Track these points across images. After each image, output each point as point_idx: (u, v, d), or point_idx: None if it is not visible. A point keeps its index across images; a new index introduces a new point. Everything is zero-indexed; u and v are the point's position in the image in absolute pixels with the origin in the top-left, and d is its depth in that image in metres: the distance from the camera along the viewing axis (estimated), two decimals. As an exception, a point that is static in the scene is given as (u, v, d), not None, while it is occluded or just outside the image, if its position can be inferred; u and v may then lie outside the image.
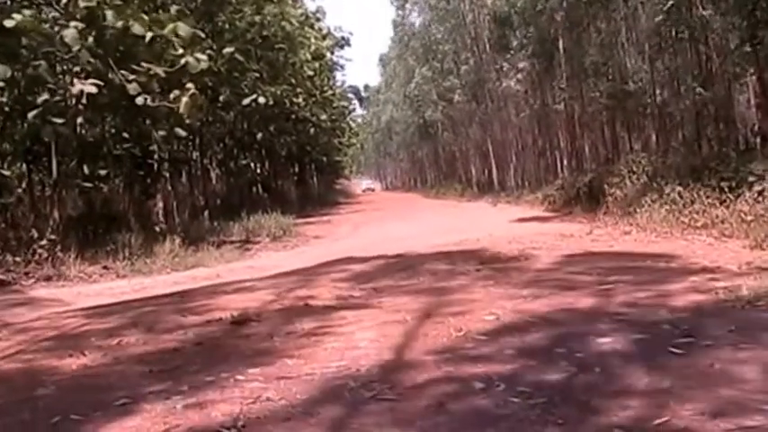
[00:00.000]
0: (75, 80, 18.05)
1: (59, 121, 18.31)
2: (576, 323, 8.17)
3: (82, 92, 17.46)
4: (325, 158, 67.29)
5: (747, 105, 31.30)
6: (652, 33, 29.86)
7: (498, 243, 17.81)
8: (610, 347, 7.00)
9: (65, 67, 19.44)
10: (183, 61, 15.61)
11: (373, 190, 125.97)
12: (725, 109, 26.97)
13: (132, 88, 16.48)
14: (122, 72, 16.56)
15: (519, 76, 47.01)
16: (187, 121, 21.16)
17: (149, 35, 15.22)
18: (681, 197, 20.00)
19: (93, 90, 17.08)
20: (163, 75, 16.01)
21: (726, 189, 18.58)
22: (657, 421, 4.95)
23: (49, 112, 18.15)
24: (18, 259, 17.37)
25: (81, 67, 18.07)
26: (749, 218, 16.66)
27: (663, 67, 31.84)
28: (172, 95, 15.73)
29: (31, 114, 18.29)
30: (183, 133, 24.73)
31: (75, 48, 15.54)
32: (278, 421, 5.48)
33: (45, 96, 18.20)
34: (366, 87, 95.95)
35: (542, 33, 38.64)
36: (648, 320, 7.99)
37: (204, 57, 16.13)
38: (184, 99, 15.35)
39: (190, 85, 15.70)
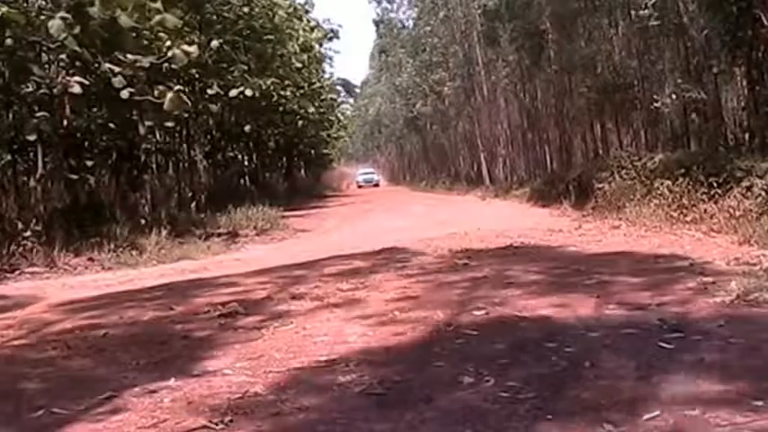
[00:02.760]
0: (61, 73, 17.99)
1: (45, 114, 18.23)
2: (566, 319, 8.17)
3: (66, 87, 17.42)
4: (312, 151, 67.26)
5: (736, 101, 31.36)
6: (639, 28, 29.86)
7: (486, 237, 17.83)
8: (599, 343, 7.00)
9: (50, 57, 19.33)
10: (170, 53, 15.58)
11: (377, 185, 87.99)
12: (712, 105, 26.98)
13: (117, 81, 16.45)
14: (108, 65, 16.51)
15: (508, 69, 46.99)
16: (174, 113, 21.10)
17: (136, 26, 15.18)
18: (670, 192, 20.01)
19: (78, 90, 17.06)
20: (148, 66, 15.97)
21: (714, 184, 18.58)
22: (647, 416, 4.94)
23: (34, 103, 18.09)
24: (2, 251, 17.29)
25: (67, 56, 18.02)
26: (738, 213, 16.68)
27: (650, 63, 31.84)
28: (156, 92, 15.69)
29: (15, 105, 18.23)
30: (169, 125, 24.65)
31: (62, 37, 15.48)
32: (266, 416, 5.46)
33: (30, 88, 18.12)
34: (347, 83, 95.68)
35: (531, 27, 38.62)
36: (638, 316, 7.99)
37: (192, 48, 16.09)
38: (169, 95, 15.32)
39: (176, 86, 15.70)
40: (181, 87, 16.33)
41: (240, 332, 8.44)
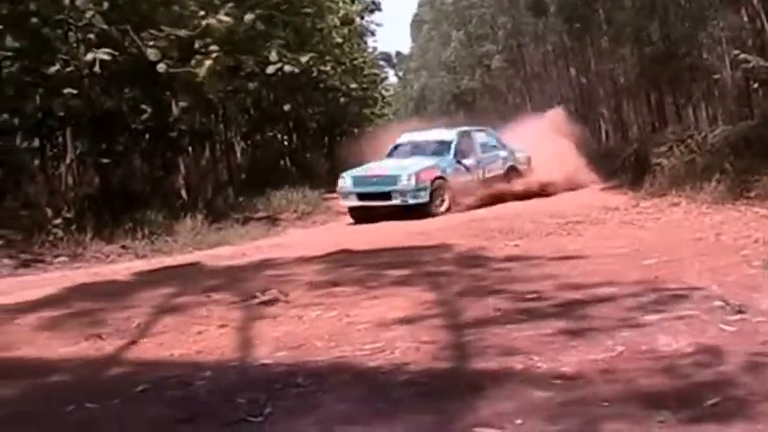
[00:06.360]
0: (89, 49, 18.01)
1: (72, 90, 18.27)
2: (620, 297, 8.09)
3: (95, 60, 17.40)
4: (356, 130, 67.05)
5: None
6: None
7: (538, 217, 17.72)
8: (656, 326, 6.92)
9: (78, 36, 19.36)
10: (204, 23, 15.56)
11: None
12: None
13: (152, 53, 16.45)
14: (140, 37, 16.52)
15: (557, 40, 46.75)
16: (208, 92, 21.10)
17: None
18: (732, 167, 19.78)
19: (107, 58, 17.05)
20: (183, 37, 15.95)
21: (779, 158, 18.37)
22: (709, 402, 4.90)
23: (61, 83, 18.13)
24: (32, 240, 17.38)
25: (95, 34, 18.03)
26: (804, 187, 16.49)
27: (708, 31, 31.51)
28: (193, 61, 15.66)
29: (42, 87, 18.28)
30: (203, 104, 24.70)
31: (89, 14, 15.49)
32: (306, 408, 5.46)
33: (56, 67, 18.17)
34: (398, 54, 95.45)
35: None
36: (698, 296, 7.91)
37: (227, 18, 16.07)
38: (207, 62, 15.29)
39: (214, 47, 15.58)
40: (218, 51, 16.25)
41: (280, 321, 8.45)
